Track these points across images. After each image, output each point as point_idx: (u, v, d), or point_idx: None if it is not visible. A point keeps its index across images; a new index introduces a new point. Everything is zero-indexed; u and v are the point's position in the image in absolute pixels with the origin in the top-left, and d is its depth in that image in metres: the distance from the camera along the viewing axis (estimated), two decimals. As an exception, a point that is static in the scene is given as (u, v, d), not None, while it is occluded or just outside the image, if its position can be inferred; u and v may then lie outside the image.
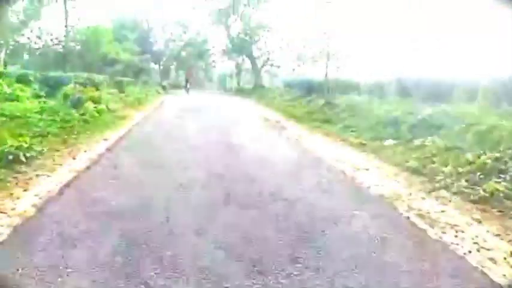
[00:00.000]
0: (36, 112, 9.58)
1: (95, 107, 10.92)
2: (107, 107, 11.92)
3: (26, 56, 32.16)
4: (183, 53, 46.08)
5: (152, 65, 52.90)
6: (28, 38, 31.74)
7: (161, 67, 52.32)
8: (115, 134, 9.12)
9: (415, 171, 6.51)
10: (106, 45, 27.59)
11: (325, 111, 14.45)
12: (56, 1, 30.56)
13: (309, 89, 20.30)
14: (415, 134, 8.63)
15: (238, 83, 47.35)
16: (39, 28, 31.05)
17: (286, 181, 5.80)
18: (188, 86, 31.14)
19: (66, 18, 30.29)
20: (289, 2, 34.25)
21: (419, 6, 17.41)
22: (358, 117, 11.99)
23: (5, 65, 31.12)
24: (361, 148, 8.77)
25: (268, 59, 35.75)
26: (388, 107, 11.60)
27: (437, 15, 16.73)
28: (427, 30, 17.44)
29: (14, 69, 23.81)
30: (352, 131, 10.56)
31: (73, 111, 10.51)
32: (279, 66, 35.17)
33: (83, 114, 10.13)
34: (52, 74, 15.64)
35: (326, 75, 18.27)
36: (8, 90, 11.99)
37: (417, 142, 8.04)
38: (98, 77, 17.54)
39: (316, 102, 16.65)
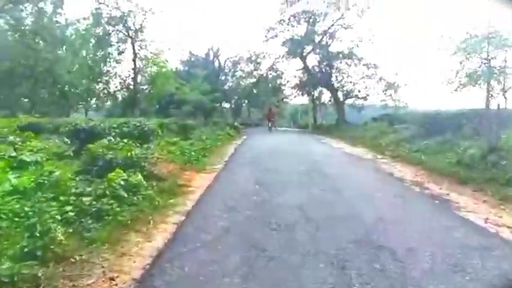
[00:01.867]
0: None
1: (126, 179, 5.99)
2: (146, 174, 6.97)
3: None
4: (255, 90, 42.01)
5: (223, 104, 49.93)
6: (99, 81, 29.49)
7: (232, 106, 48.82)
8: (139, 261, 3.97)
9: None
10: (172, 85, 23.95)
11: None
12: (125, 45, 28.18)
13: (433, 125, 14.09)
14: None
15: (315, 119, 41.87)
16: (108, 71, 28.67)
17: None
18: (270, 125, 29.39)
19: (134, 60, 27.52)
20: (374, 25, 28.87)
21: None
22: None
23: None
24: None
25: (352, 89, 29.92)
26: None
27: None
28: None
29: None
30: None
31: (88, 188, 5.69)
32: (365, 98, 29.08)
33: (96, 200, 5.20)
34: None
35: (487, 103, 12.15)
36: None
37: None
38: (154, 122, 13.14)
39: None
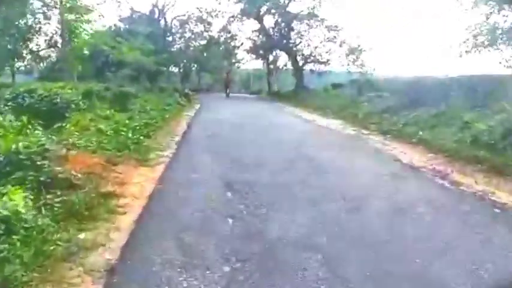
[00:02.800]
0: None
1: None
2: (46, 181, 4.00)
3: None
4: (205, 54, 38.16)
5: (171, 68, 45.42)
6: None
7: (181, 70, 44.52)
8: None
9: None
10: (105, 43, 19.77)
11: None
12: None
13: (418, 94, 12.01)
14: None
15: (270, 85, 39.22)
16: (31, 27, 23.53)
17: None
18: (228, 91, 28.59)
19: (61, 12, 22.66)
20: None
21: None
22: None
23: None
24: None
25: (312, 53, 27.36)
26: None
27: None
28: None
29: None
30: None
31: None
32: (327, 62, 26.68)
33: None
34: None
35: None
36: None
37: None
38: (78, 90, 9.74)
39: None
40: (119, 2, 23.00)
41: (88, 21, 22.32)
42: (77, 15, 20.76)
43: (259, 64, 49.56)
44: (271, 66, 39.20)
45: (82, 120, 8.17)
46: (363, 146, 8.36)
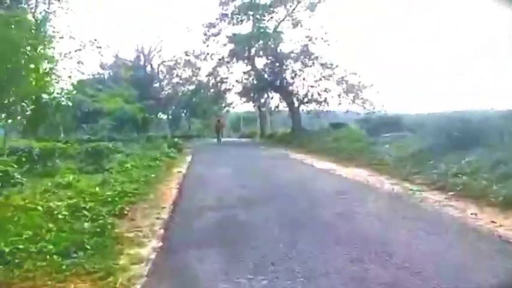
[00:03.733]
0: None
1: None
2: None
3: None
4: (195, 98, 36.15)
5: (160, 115, 43.14)
6: None
7: (170, 116, 42.25)
8: None
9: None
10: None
11: None
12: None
13: (463, 133, 9.60)
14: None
15: (263, 128, 37.07)
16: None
17: None
18: (221, 137, 27.42)
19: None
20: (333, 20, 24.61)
21: None
22: None
23: None
24: None
25: (307, 93, 25.34)
26: None
27: None
28: None
29: None
30: None
31: None
32: (325, 102, 24.57)
33: None
34: None
35: None
36: None
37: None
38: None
39: None
40: (99, 47, 20.83)
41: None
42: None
43: (249, 107, 47.53)
44: (264, 109, 37.29)
45: (17, 199, 5.39)
46: (434, 217, 5.66)
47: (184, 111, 40.79)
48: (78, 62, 20.03)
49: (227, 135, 55.90)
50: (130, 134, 19.11)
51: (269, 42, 25.27)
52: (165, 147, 15.93)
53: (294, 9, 25.11)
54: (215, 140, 27.10)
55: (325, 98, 24.22)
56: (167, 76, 36.15)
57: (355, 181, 8.79)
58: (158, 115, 40.59)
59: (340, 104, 24.20)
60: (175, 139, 18.75)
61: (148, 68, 33.67)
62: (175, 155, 14.87)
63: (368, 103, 21.90)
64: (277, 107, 34.15)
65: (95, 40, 22.08)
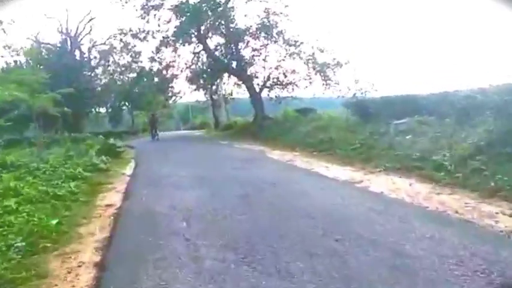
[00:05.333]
0: None
1: None
2: None
3: None
4: (136, 89, 30.46)
5: (99, 109, 36.66)
6: None
7: (109, 110, 35.93)
8: None
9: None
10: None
11: None
12: None
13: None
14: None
15: (216, 118, 32.48)
16: None
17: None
18: (157, 132, 22.86)
19: None
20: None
21: None
22: None
23: None
24: None
25: (270, 76, 21.16)
26: None
27: None
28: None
29: None
30: None
31: None
32: (291, 86, 20.53)
33: None
34: None
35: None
36: None
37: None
38: None
39: None
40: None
41: None
42: None
43: (199, 95, 42.39)
44: (216, 96, 32.63)
45: None
46: None
47: (126, 104, 34.87)
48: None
49: (175, 128, 50.14)
50: (42, 133, 13.72)
51: (221, 19, 20.58)
52: (94, 153, 10.91)
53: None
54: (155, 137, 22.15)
55: (292, 81, 20.20)
56: (102, 62, 29.96)
57: (400, 202, 4.79)
58: (95, 109, 34.30)
59: (307, 86, 20.40)
60: (112, 139, 13.56)
61: (77, 54, 27.33)
62: (108, 165, 9.95)
63: (344, 85, 18.21)
64: (230, 93, 29.84)
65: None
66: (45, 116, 11.95)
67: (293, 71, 20.15)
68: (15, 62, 24.46)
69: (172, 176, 8.03)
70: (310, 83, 19.68)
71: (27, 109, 10.71)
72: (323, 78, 19.27)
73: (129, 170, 9.84)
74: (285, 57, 20.16)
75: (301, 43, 19.85)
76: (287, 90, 20.61)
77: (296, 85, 20.08)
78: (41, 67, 23.42)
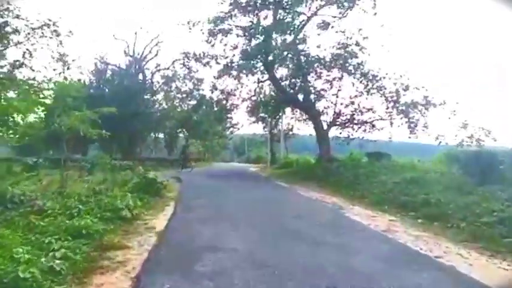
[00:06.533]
0: None
1: None
2: None
3: None
4: (195, 117, 29.03)
5: (158, 134, 35.98)
6: None
7: (166, 136, 34.96)
8: None
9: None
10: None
11: None
12: None
13: None
14: None
15: (273, 154, 29.84)
16: None
17: None
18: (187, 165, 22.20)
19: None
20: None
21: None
22: None
23: None
24: None
25: (341, 112, 18.14)
26: None
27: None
28: None
29: None
30: None
31: None
32: (368, 125, 17.28)
33: None
34: None
35: None
36: None
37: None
38: None
39: None
40: (56, 32, 13.71)
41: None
42: None
43: (256, 128, 40.29)
44: (275, 130, 30.24)
45: None
46: None
47: (184, 131, 33.71)
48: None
49: (229, 159, 48.22)
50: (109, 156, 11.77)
51: (291, 47, 18.20)
52: (128, 189, 8.50)
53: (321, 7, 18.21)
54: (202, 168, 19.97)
55: (368, 120, 16.96)
56: (164, 87, 29.14)
57: None
58: (155, 134, 33.53)
59: (383, 128, 16.99)
60: (151, 176, 10.88)
61: (140, 76, 26.65)
62: (136, 210, 7.37)
63: (436, 130, 14.54)
64: (291, 129, 27.24)
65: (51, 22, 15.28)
66: (75, 137, 10.03)
67: (370, 109, 16.91)
68: (79, 80, 24.12)
69: (218, 250, 5.11)
70: (391, 123, 16.25)
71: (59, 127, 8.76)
72: (408, 119, 15.78)
73: (163, 218, 7.19)
74: (362, 92, 17.08)
75: (383, 77, 16.75)
76: (362, 130, 17.31)
77: (373, 125, 16.72)
78: (105, 87, 22.76)
